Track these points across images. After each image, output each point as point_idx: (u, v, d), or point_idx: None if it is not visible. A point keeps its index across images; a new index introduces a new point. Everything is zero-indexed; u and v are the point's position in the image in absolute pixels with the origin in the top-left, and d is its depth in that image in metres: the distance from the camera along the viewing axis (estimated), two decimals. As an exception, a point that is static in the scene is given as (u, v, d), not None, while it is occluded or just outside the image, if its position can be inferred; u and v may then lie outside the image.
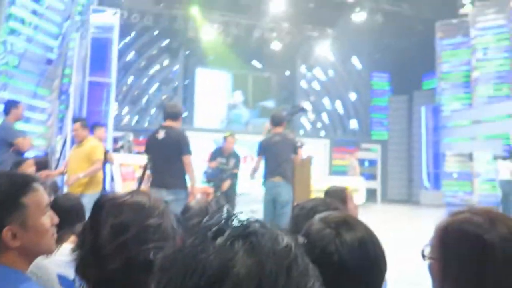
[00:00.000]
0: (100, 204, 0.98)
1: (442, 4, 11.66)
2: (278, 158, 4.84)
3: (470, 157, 12.50)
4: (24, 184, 1.05)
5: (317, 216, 0.98)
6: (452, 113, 12.85)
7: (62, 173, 5.00)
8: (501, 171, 8.92)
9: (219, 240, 0.49)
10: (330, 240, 0.90)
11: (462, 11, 12.15)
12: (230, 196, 5.97)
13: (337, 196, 2.43)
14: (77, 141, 4.93)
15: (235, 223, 0.51)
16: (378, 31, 13.12)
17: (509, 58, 11.62)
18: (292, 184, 5.06)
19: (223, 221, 0.52)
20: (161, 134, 4.15)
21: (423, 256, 0.96)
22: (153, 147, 4.20)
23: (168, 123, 4.20)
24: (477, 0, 11.86)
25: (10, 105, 4.74)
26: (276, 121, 4.99)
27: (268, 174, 4.89)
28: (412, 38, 13.41)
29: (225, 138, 6.23)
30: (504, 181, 8.71)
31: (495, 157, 9.64)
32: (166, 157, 4.08)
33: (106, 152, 5.35)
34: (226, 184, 5.97)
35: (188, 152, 4.17)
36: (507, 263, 0.85)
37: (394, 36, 13.55)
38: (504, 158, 8.83)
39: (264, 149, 4.95)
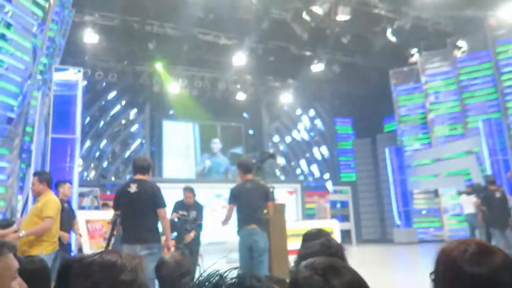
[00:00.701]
0: (67, 267, 0.94)
1: (392, 55, 12.50)
2: (252, 205, 4.80)
3: (436, 193, 12.90)
4: None
5: (303, 263, 0.97)
6: (413, 153, 13.39)
7: (16, 232, 4.71)
8: (465, 206, 9.20)
9: None
10: (319, 287, 0.89)
11: (411, 60, 13.06)
12: (193, 247, 5.80)
13: (316, 239, 2.46)
14: (34, 197, 4.74)
15: (230, 277, 0.51)
16: (337, 80, 13.80)
17: (458, 100, 12.47)
18: (267, 231, 5.01)
19: (217, 276, 0.51)
20: (133, 188, 4.06)
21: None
22: (124, 201, 4.09)
23: (139, 176, 4.13)
24: (423, 50, 12.82)
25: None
26: (244, 168, 4.96)
27: (243, 222, 4.81)
28: (370, 85, 14.15)
29: (183, 191, 6.20)
30: (470, 215, 8.96)
31: (459, 193, 9.98)
32: (140, 211, 4.00)
33: (73, 218, 5.15)
34: (189, 236, 5.82)
35: (164, 205, 4.11)
36: None
37: (353, 84, 14.26)
38: (468, 193, 9.14)
39: (236, 197, 4.88)
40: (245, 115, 15.43)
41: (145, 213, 4.00)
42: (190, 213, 5.96)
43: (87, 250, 6.41)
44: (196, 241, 5.95)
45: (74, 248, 5.60)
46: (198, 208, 6.17)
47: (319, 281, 0.90)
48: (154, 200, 4.03)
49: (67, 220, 5.30)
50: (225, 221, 4.92)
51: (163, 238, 4.11)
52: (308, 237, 2.44)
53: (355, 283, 0.92)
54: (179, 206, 6.11)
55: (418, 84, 13.40)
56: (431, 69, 13.02)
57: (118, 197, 4.21)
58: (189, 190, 6.11)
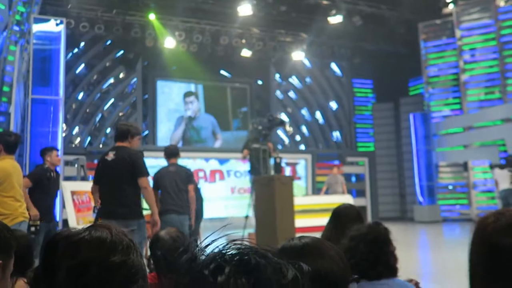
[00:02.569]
0: (53, 245, 0.94)
1: (423, 5, 12.12)
2: (174, 189, 5.22)
3: (465, 167, 12.87)
4: None
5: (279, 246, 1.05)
6: (442, 120, 13.26)
7: None
8: (500, 181, 9.18)
9: (220, 279, 0.49)
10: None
11: (445, 11, 12.67)
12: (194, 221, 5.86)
13: (351, 216, 2.54)
14: None
15: (233, 256, 0.51)
16: (357, 34, 13.51)
17: (497, 59, 12.14)
18: (188, 214, 5.31)
19: (218, 256, 0.51)
20: (110, 156, 4.07)
21: None
22: (102, 171, 4.10)
23: (119, 143, 4.15)
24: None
25: None
26: (168, 153, 5.52)
27: (163, 208, 5.07)
28: (395, 41, 13.87)
29: None
30: (505, 190, 8.95)
31: (492, 166, 9.94)
32: (116, 181, 3.98)
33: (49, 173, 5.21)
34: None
35: (146, 173, 4.08)
36: None
37: (376, 40, 13.98)
38: (502, 167, 9.10)
39: (159, 181, 5.28)
40: (251, 75, 15.30)
41: (122, 184, 3.97)
42: None
43: (74, 224, 6.55)
44: (198, 213, 6.01)
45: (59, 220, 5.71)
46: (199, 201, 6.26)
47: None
48: (133, 168, 4.00)
49: (53, 190, 5.44)
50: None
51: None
52: (346, 217, 2.51)
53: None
54: None
55: (452, 39, 13.08)
56: (468, 21, 12.65)
57: (97, 167, 4.25)
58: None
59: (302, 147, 14.98)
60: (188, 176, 5.43)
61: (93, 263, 0.89)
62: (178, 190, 5.22)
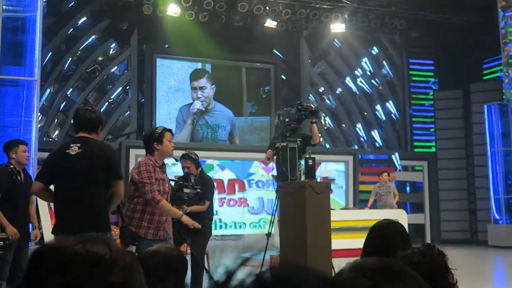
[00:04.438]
0: (38, 259, 0.96)
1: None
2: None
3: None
4: None
5: (349, 263, 1.04)
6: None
7: None
8: None
9: None
10: None
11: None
12: (199, 238, 5.75)
13: (392, 237, 2.53)
14: None
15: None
16: (415, 0, 13.35)
17: None
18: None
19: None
20: (74, 149, 4.00)
21: None
22: (61, 168, 4.03)
23: (84, 134, 4.10)
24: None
25: None
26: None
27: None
28: (465, 11, 13.69)
29: (180, 161, 6.26)
30: None
31: None
32: (83, 182, 3.95)
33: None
34: (194, 208, 5.79)
35: (121, 175, 4.13)
36: None
37: (440, 8, 13.81)
38: None
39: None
40: (276, 52, 15.27)
41: (89, 186, 3.94)
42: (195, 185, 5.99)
43: (50, 239, 6.67)
44: (205, 228, 5.99)
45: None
46: (206, 183, 6.21)
47: (366, 285, 0.94)
48: (108, 167, 4.00)
49: (23, 198, 5.42)
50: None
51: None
52: (385, 239, 2.50)
53: None
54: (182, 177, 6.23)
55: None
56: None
57: (49, 163, 4.13)
58: (187, 159, 6.16)
59: (341, 146, 14.95)
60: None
61: (87, 282, 0.91)
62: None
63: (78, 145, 4.00)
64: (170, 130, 4.78)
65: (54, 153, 4.19)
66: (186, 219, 4.66)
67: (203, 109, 14.02)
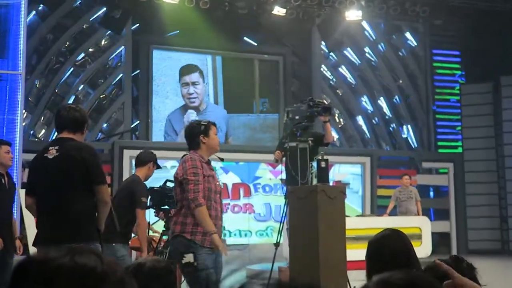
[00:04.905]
0: (23, 272, 0.98)
1: None
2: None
3: None
4: None
5: (375, 278, 1.12)
6: None
7: None
8: None
9: None
10: None
11: None
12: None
13: (394, 251, 2.56)
14: None
15: None
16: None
17: None
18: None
19: None
20: (52, 152, 4.02)
21: None
22: (39, 174, 4.10)
23: (65, 134, 4.13)
24: None
25: None
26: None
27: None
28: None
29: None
30: None
31: None
32: (59, 188, 3.97)
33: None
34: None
35: (104, 180, 4.13)
36: None
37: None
38: None
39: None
40: (284, 43, 15.19)
41: (67, 193, 3.96)
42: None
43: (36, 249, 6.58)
44: None
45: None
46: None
47: None
48: (87, 169, 3.98)
49: (7, 205, 5.50)
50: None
51: None
52: (383, 255, 2.51)
53: None
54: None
55: None
56: None
57: (31, 170, 4.26)
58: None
59: (357, 146, 14.90)
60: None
61: None
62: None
63: (56, 147, 4.03)
64: (214, 124, 4.74)
65: (34, 158, 4.25)
66: (216, 239, 4.37)
67: (197, 106, 13.93)
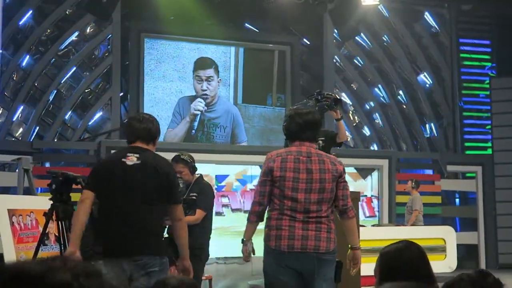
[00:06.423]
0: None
1: None
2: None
3: None
4: None
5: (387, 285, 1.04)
6: None
7: None
8: None
9: None
10: None
11: None
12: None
13: (406, 265, 2.62)
14: None
15: None
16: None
17: None
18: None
19: None
20: (132, 158, 4.28)
21: None
22: (112, 178, 4.30)
23: (141, 144, 4.38)
24: None
25: None
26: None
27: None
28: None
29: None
30: None
31: None
32: (140, 197, 4.23)
33: None
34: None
35: (180, 200, 4.50)
36: None
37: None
38: None
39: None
40: (293, 30, 15.23)
41: (149, 203, 4.24)
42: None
43: (12, 260, 6.71)
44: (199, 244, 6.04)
45: None
46: (203, 189, 6.28)
47: None
48: (169, 186, 4.29)
49: None
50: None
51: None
52: (396, 269, 2.55)
53: None
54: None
55: None
56: None
57: (100, 170, 4.47)
58: (179, 162, 6.16)
59: (374, 147, 14.98)
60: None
61: None
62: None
63: (137, 155, 4.29)
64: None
65: (105, 160, 4.64)
66: (245, 248, 4.51)
67: (205, 109, 13.92)
